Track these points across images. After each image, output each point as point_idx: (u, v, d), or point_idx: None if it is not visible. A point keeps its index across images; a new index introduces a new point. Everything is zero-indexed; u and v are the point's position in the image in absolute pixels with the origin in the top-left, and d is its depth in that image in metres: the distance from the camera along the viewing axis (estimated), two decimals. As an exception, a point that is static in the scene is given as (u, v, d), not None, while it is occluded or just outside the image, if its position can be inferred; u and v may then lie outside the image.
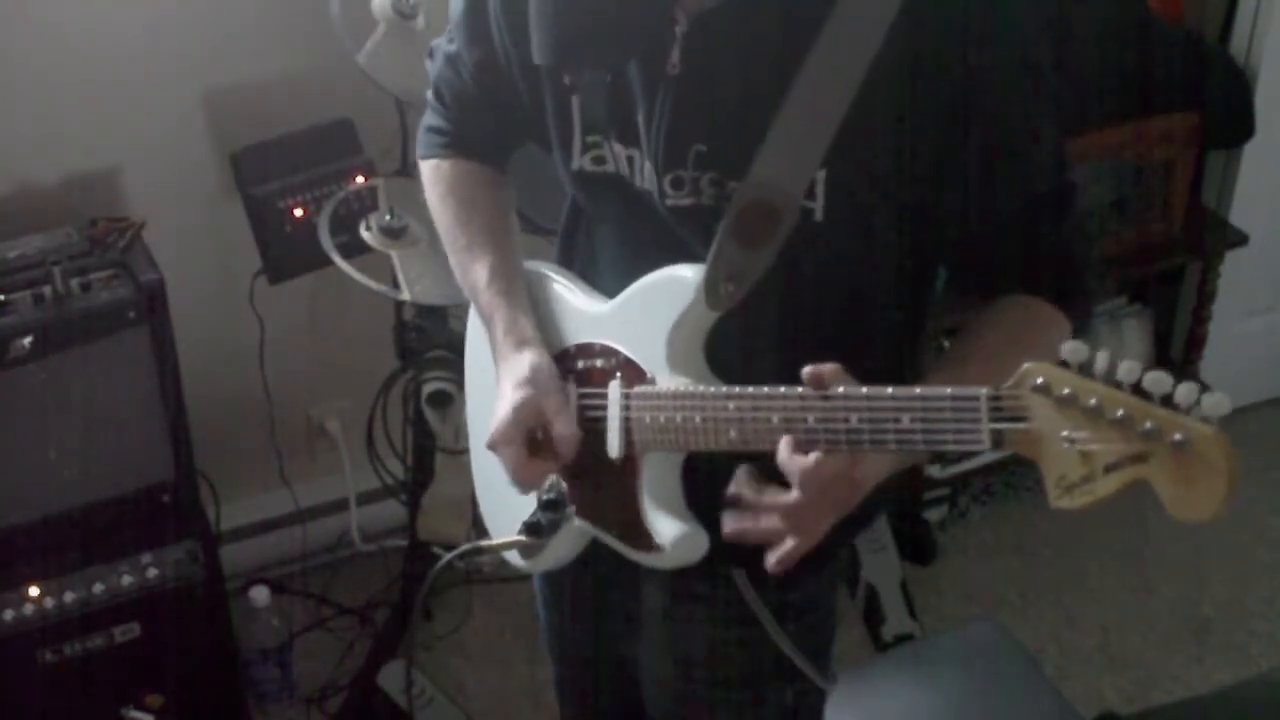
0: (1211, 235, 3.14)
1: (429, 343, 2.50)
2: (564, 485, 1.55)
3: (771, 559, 1.35)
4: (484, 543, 1.59)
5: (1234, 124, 3.06)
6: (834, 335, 1.45)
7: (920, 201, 1.39)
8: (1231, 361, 3.34)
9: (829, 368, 1.29)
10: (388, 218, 2.35)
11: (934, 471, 3.04)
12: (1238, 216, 3.17)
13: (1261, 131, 3.07)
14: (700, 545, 1.48)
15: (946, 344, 1.72)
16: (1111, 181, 2.98)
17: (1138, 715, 2.36)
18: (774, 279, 1.41)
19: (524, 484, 1.54)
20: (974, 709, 2.21)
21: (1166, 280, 3.29)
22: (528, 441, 1.51)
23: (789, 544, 1.34)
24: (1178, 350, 3.33)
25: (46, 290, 2.28)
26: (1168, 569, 3.10)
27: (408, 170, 2.52)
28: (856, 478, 1.32)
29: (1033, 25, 1.36)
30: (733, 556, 1.51)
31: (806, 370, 1.29)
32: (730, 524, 1.37)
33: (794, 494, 1.31)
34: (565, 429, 1.49)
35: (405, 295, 2.30)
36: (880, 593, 2.95)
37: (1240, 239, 3.12)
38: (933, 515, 3.16)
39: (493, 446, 1.52)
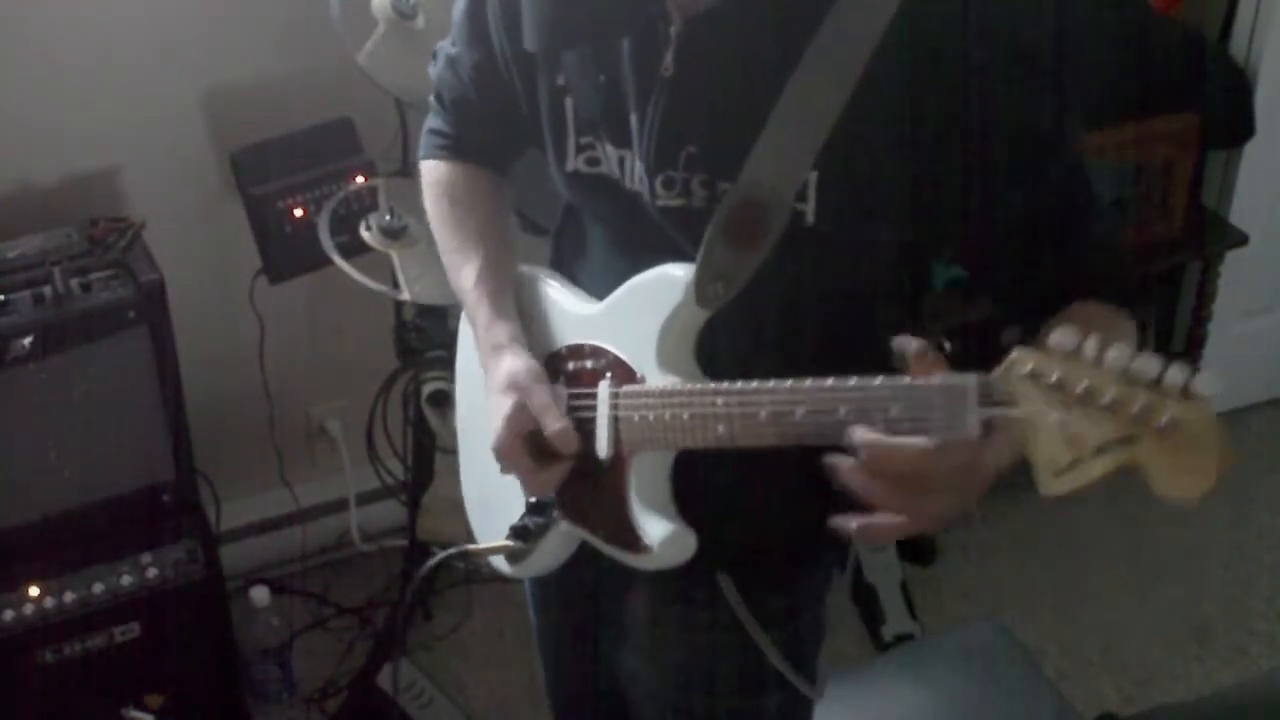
0: (1211, 235, 3.14)
1: (429, 343, 2.49)
2: None
3: (857, 522, 1.25)
4: (470, 547, 1.58)
5: (1234, 124, 3.06)
6: (827, 335, 1.44)
7: (916, 204, 1.38)
8: (1231, 361, 3.33)
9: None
10: (388, 218, 2.35)
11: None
12: (1238, 216, 3.17)
13: (1261, 131, 3.07)
14: (688, 545, 1.47)
15: (947, 345, 1.71)
16: (1111, 181, 2.98)
17: (1138, 715, 2.36)
18: (766, 280, 1.40)
19: (539, 493, 1.53)
20: (974, 709, 2.21)
21: (1166, 280, 3.29)
22: (531, 447, 1.51)
23: (886, 520, 1.25)
24: (1178, 350, 3.32)
25: (46, 290, 2.28)
26: (1168, 569, 3.09)
27: (408, 170, 2.52)
28: (982, 462, 1.23)
29: (1032, 26, 1.34)
30: (719, 561, 1.50)
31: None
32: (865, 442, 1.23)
33: (927, 449, 1.21)
34: (555, 423, 1.48)
35: (405, 295, 2.30)
36: (880, 593, 2.95)
37: (1240, 239, 3.12)
38: (933, 515, 3.16)
39: (501, 462, 1.52)
